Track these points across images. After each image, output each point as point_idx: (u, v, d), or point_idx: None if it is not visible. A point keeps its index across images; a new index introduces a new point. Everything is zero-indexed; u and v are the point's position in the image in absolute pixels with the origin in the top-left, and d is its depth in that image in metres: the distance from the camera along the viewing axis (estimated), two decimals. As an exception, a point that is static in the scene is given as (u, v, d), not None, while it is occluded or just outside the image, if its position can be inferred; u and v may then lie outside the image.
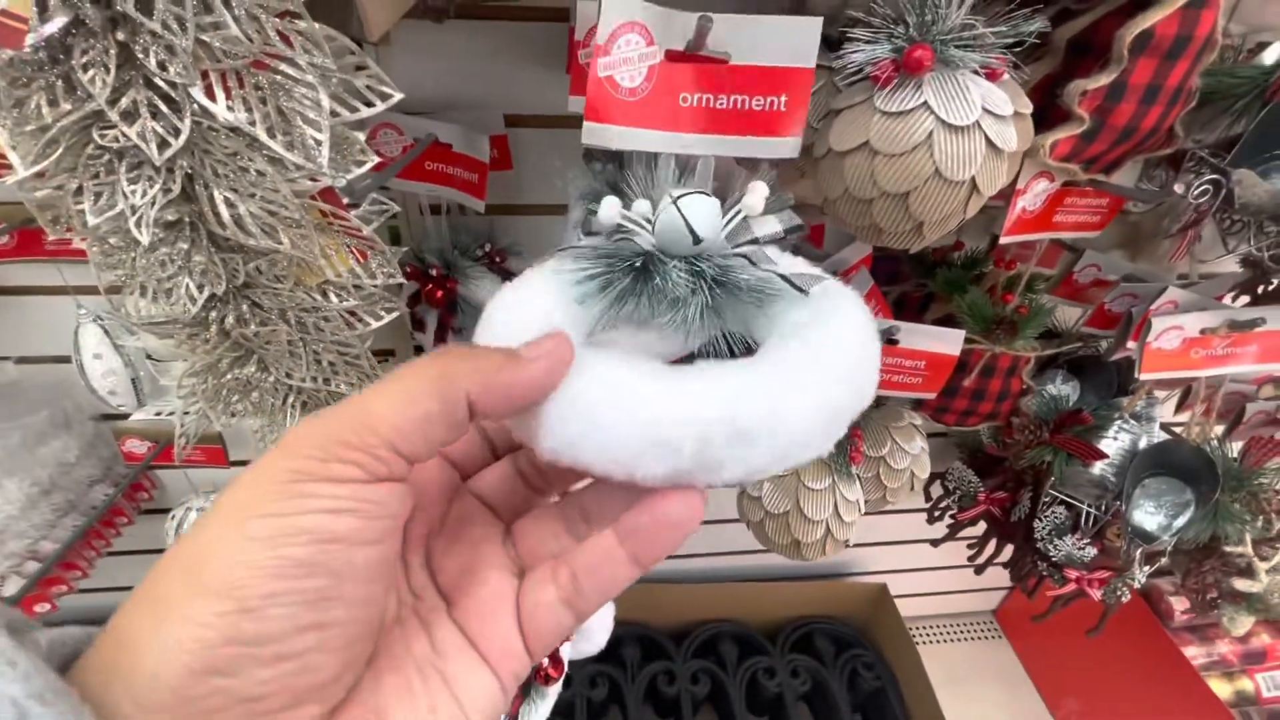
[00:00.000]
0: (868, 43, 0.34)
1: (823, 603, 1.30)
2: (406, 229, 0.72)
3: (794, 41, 0.33)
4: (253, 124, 0.34)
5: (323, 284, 0.48)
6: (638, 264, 0.24)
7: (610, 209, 0.25)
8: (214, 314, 0.44)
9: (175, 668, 0.15)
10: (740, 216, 0.26)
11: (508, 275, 0.69)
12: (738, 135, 0.37)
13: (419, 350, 0.75)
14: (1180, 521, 0.61)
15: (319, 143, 0.39)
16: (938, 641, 1.44)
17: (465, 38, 0.60)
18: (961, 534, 0.93)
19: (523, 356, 0.20)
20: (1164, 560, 0.98)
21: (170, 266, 0.40)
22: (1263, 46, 0.47)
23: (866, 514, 1.30)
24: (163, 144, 0.33)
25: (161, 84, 0.33)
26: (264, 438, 0.63)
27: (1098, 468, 0.62)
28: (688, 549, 1.23)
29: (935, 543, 1.00)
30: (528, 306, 0.23)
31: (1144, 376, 0.56)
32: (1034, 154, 0.44)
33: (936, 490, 0.92)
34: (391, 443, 0.17)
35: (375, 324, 0.52)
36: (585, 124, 0.34)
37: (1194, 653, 1.06)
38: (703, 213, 0.24)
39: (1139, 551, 0.62)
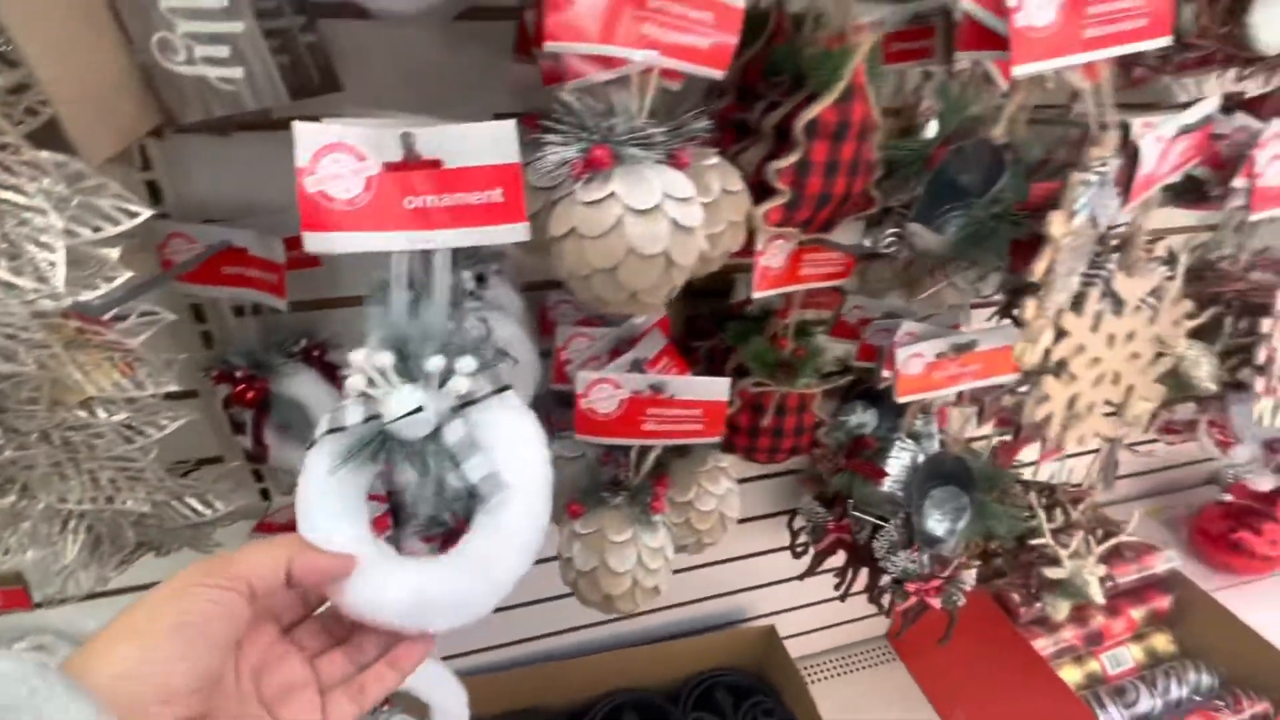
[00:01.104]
0: (560, 145, 0.39)
1: (719, 653, 1.31)
2: (219, 332, 0.71)
3: (493, 143, 0.38)
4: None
5: (87, 401, 0.47)
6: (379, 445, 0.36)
7: (353, 413, 0.36)
8: (-48, 444, 0.42)
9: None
10: (451, 398, 0.37)
11: (327, 368, 0.69)
12: (466, 228, 0.41)
13: (248, 455, 0.72)
14: (961, 524, 0.69)
15: (52, 264, 0.39)
16: (837, 674, 1.47)
17: (256, 147, 0.62)
18: (831, 565, 0.98)
19: (324, 559, 0.35)
20: (998, 561, 1.07)
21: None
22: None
23: (750, 556, 1.33)
24: None
25: None
26: (72, 574, 0.58)
27: (887, 485, 0.69)
28: (575, 621, 1.21)
29: (801, 577, 1.05)
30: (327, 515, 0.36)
31: (901, 399, 0.64)
32: (753, 222, 0.52)
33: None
34: (244, 577, 0.32)
35: (158, 434, 0.51)
36: (304, 234, 0.37)
37: (1043, 643, 1.15)
38: (415, 423, 0.36)
39: (926, 555, 0.68)
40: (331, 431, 0.36)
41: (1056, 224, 0.45)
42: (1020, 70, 0.45)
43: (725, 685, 1.28)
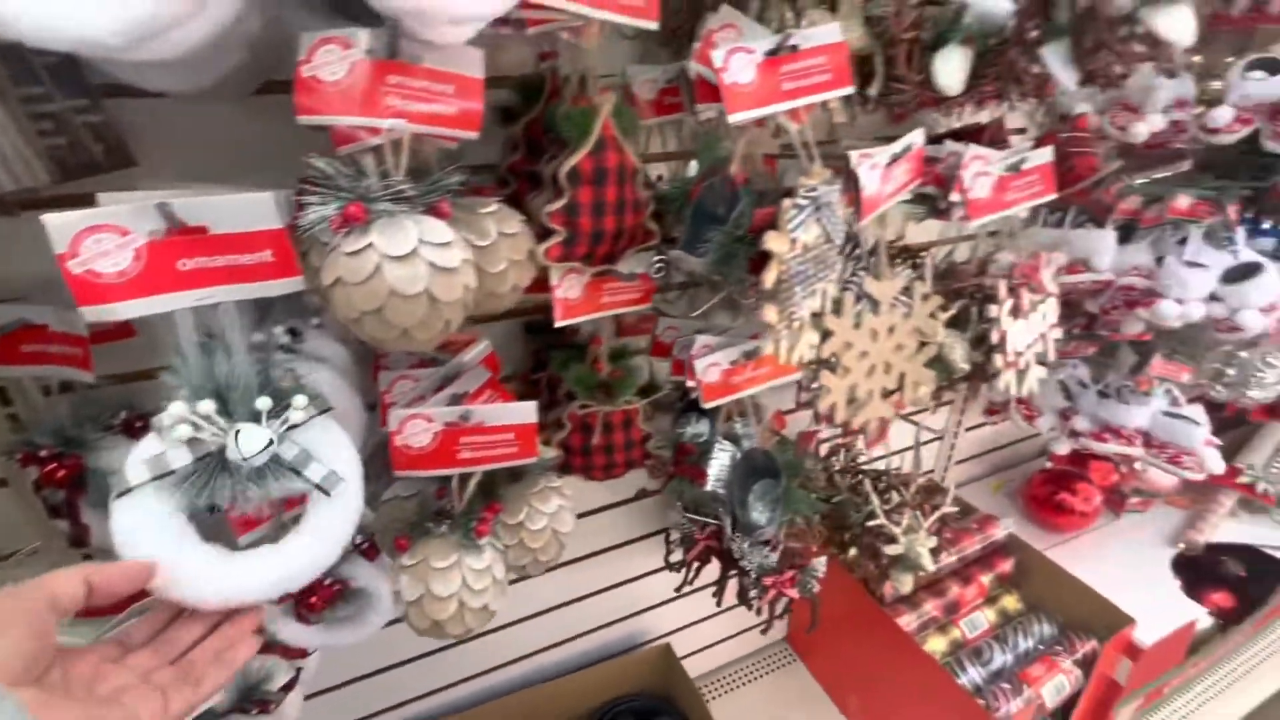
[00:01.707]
0: (320, 204, 0.44)
1: (624, 679, 1.33)
2: (26, 413, 0.69)
3: (253, 211, 0.42)
4: None
5: None
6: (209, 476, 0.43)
7: (180, 456, 0.43)
8: None
9: None
10: (285, 427, 0.45)
11: (150, 438, 0.68)
12: (243, 284, 0.45)
13: (70, 539, 0.69)
14: (777, 512, 0.76)
15: None
16: (745, 683, 1.52)
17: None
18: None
19: (123, 566, 0.41)
20: (853, 552, 1.16)
21: None
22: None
23: (643, 576, 1.36)
24: None
25: None
26: None
27: (709, 485, 0.76)
28: (478, 668, 1.20)
29: (678, 589, 1.09)
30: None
31: (708, 405, 0.71)
32: (535, 260, 0.58)
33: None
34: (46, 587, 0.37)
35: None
36: (81, 309, 0.40)
37: (908, 619, 1.25)
38: (253, 442, 0.43)
39: (748, 543, 0.76)
40: (158, 478, 0.42)
41: (772, 241, 0.54)
42: (734, 118, 0.54)
43: (633, 712, 1.30)
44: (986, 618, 1.33)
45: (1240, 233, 1.04)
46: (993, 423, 1.55)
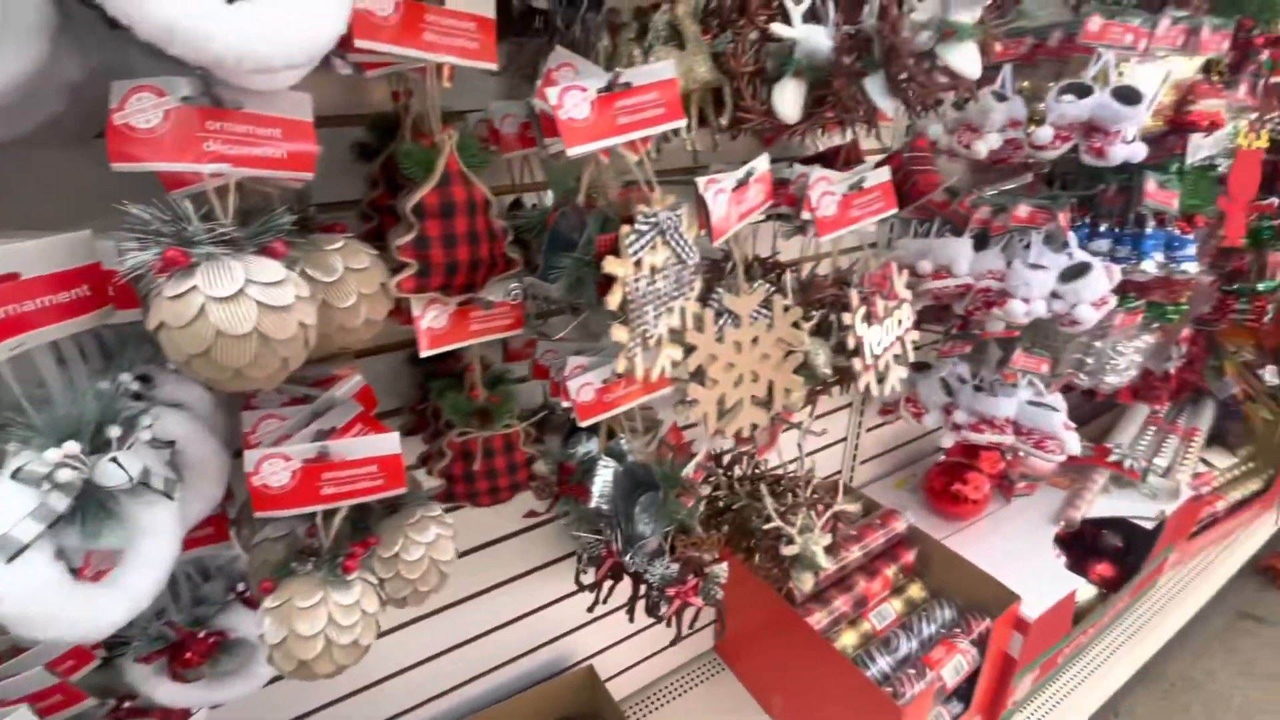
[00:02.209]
0: (139, 249, 0.44)
1: (550, 705, 1.32)
2: None
3: (64, 252, 0.42)
4: None
5: None
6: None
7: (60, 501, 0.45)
8: None
9: None
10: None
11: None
12: (61, 322, 0.45)
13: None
14: (660, 522, 0.79)
15: None
16: (673, 698, 1.53)
17: None
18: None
19: None
20: (758, 557, 1.20)
21: None
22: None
23: (563, 597, 1.35)
24: None
25: None
26: None
27: (594, 502, 0.78)
28: (393, 708, 1.17)
29: (590, 608, 1.10)
30: None
31: (584, 424, 0.73)
32: (388, 292, 0.59)
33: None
34: None
35: None
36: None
37: (819, 616, 1.30)
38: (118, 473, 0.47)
39: (643, 556, 0.78)
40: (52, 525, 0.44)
41: (612, 265, 0.58)
42: (570, 151, 0.58)
43: (559, 737, 1.29)
44: (894, 608, 1.39)
45: (1072, 236, 1.16)
46: (888, 422, 1.65)
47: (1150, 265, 1.25)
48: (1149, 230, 1.26)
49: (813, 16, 0.75)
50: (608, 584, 1.02)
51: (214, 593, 0.77)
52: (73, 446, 0.46)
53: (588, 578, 1.06)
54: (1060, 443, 1.23)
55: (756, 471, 1.18)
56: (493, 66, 0.59)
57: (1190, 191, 1.28)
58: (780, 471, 1.18)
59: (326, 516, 0.60)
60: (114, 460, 0.47)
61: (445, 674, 1.22)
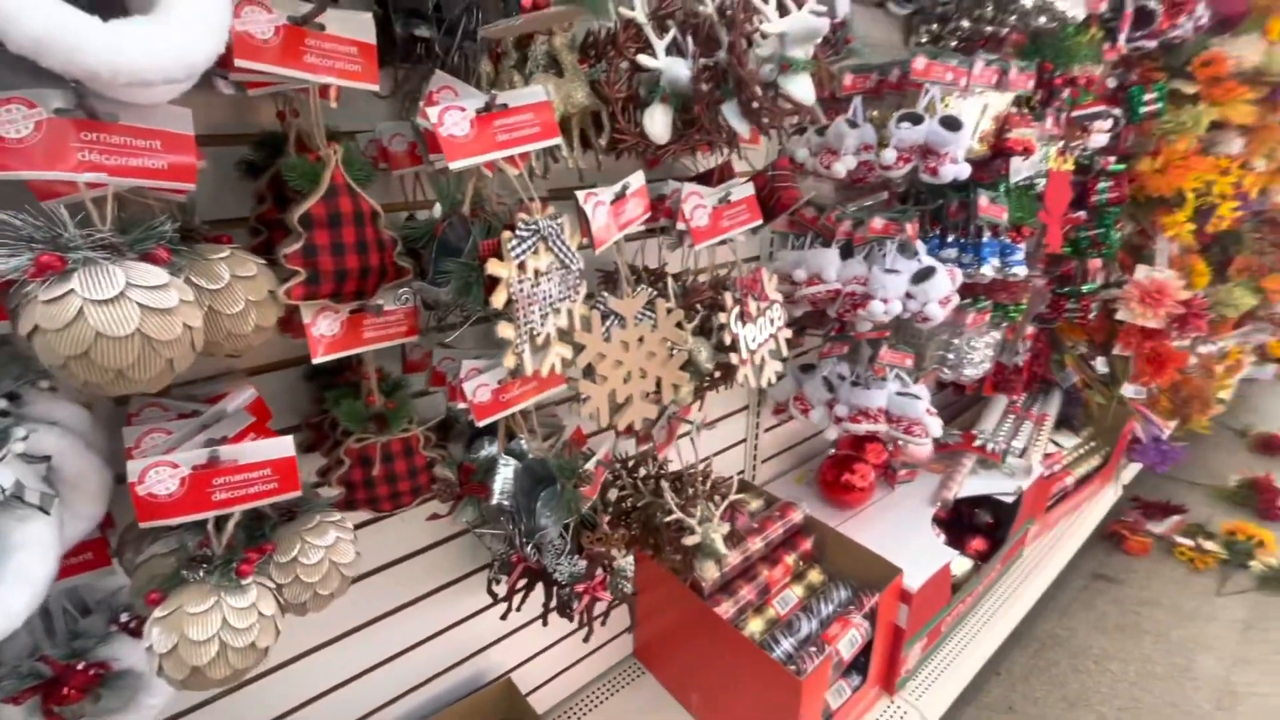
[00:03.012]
0: (10, 255, 0.45)
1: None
2: None
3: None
4: None
5: None
6: None
7: None
8: None
9: None
10: None
11: None
12: None
13: None
14: (559, 513, 0.84)
15: None
16: (595, 707, 1.55)
17: None
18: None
19: None
20: (664, 552, 1.26)
21: None
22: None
23: (479, 611, 1.35)
24: None
25: None
26: None
27: (495, 499, 0.81)
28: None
29: (504, 616, 1.11)
30: None
31: (480, 423, 0.77)
32: (277, 300, 0.61)
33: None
34: None
35: None
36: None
37: (727, 606, 1.38)
38: None
39: (542, 544, 0.82)
40: None
41: (495, 267, 0.63)
42: (452, 165, 0.63)
43: (481, 756, 1.27)
44: (795, 593, 1.49)
45: (921, 244, 1.32)
46: (782, 422, 1.77)
47: (988, 269, 1.44)
48: (986, 240, 1.46)
49: (676, 49, 0.84)
50: (520, 593, 1.05)
51: (93, 627, 0.74)
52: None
53: (500, 588, 1.08)
54: (925, 426, 1.38)
55: (659, 471, 1.25)
56: (375, 88, 0.63)
57: (1016, 206, 1.49)
58: (680, 470, 1.25)
59: (219, 523, 0.61)
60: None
61: (363, 697, 1.19)
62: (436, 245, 0.69)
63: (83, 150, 0.47)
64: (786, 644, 1.37)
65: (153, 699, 0.73)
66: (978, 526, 1.88)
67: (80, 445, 0.61)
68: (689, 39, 0.84)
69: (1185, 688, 1.85)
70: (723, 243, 0.96)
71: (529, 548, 0.84)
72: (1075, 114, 1.69)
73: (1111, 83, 1.97)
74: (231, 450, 0.59)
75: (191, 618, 0.56)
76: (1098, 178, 1.90)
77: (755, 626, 1.42)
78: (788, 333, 1.06)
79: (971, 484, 1.85)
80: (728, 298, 0.92)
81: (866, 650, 1.43)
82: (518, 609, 1.10)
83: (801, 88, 0.78)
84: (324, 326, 0.67)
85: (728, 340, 0.92)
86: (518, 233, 0.65)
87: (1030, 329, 2.07)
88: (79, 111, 0.47)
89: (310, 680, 1.09)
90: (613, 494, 1.20)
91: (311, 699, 1.11)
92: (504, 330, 0.65)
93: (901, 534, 1.64)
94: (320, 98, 0.64)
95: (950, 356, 1.70)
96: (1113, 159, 1.90)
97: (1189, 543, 2.39)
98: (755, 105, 0.80)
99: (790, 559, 1.52)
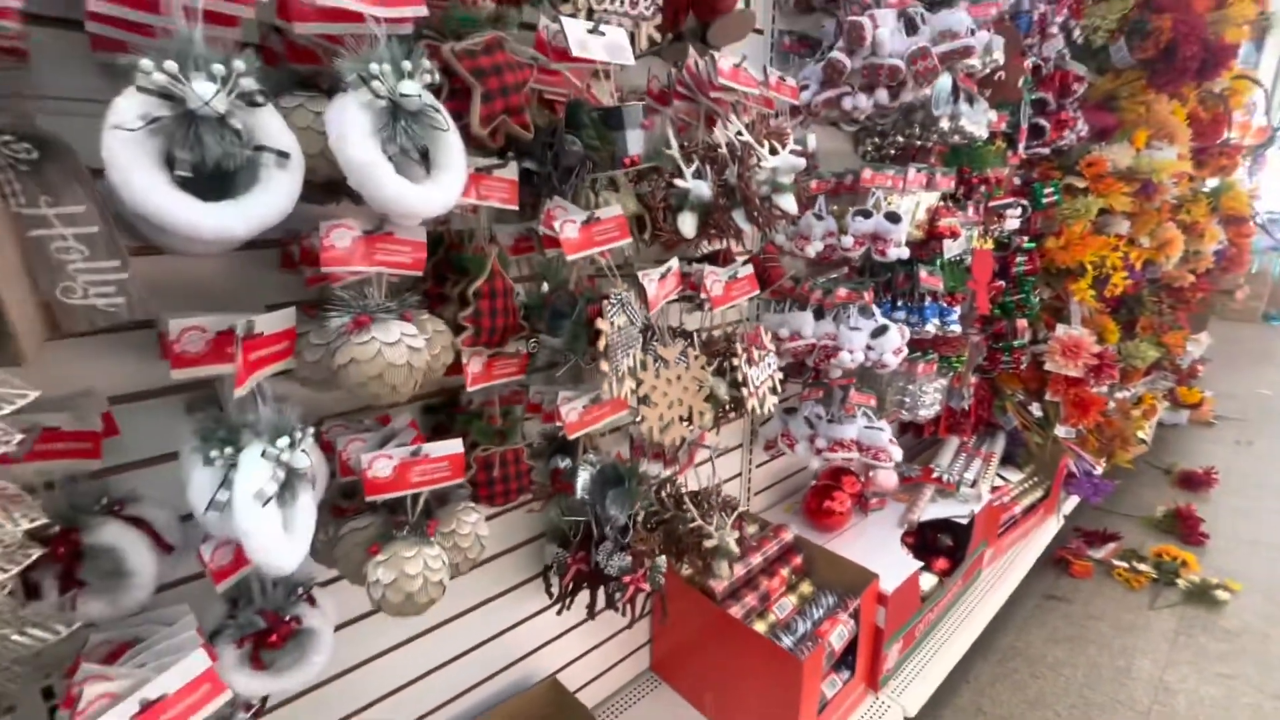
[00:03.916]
0: (338, 316, 0.75)
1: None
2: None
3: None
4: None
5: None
6: None
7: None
8: None
9: None
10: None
11: (131, 519, 0.85)
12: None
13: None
14: (626, 506, 1.12)
15: (-22, 433, 0.59)
16: (618, 715, 1.74)
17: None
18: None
19: None
20: (685, 562, 1.52)
21: None
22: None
23: (532, 616, 1.57)
24: None
25: None
26: None
27: (579, 494, 1.09)
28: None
29: (559, 612, 1.35)
30: None
31: (571, 437, 1.07)
32: (456, 347, 0.92)
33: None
34: None
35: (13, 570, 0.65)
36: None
37: (735, 610, 1.63)
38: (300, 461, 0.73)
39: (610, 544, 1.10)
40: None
41: (600, 324, 0.95)
42: (571, 257, 0.95)
43: (529, 752, 1.46)
44: (791, 601, 1.75)
45: (876, 308, 1.69)
46: (772, 458, 2.08)
47: (930, 327, 1.82)
48: (927, 304, 1.84)
49: (698, 174, 1.21)
50: (570, 589, 1.30)
51: (278, 595, 0.97)
52: (284, 441, 0.72)
53: (556, 589, 1.33)
54: (888, 452, 1.71)
55: (680, 491, 1.54)
56: (515, 208, 0.97)
57: (949, 277, 1.89)
58: (697, 489, 1.55)
59: (413, 499, 0.88)
60: (304, 452, 0.74)
61: (421, 697, 1.38)
62: (550, 311, 1.01)
63: (376, 253, 0.78)
64: (787, 641, 1.63)
65: (318, 656, 0.96)
66: (940, 548, 2.18)
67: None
68: (708, 167, 1.20)
69: (1127, 686, 2.13)
70: (732, 307, 1.30)
71: (606, 527, 1.11)
72: (991, 205, 2.13)
73: (1018, 180, 2.45)
74: (428, 447, 0.88)
75: (406, 559, 0.83)
76: (1015, 253, 2.34)
77: (759, 628, 1.67)
78: (780, 375, 1.39)
79: (932, 509, 2.17)
80: (738, 347, 1.25)
81: (853, 648, 1.69)
82: (568, 608, 1.34)
83: (788, 202, 1.15)
84: (474, 366, 0.97)
85: (740, 378, 1.24)
86: (611, 300, 0.97)
87: (973, 379, 2.45)
88: (372, 230, 0.79)
89: (381, 680, 1.28)
90: (642, 514, 1.48)
91: (380, 697, 1.29)
92: (604, 366, 0.97)
93: (875, 551, 1.93)
94: (472, 213, 0.96)
95: (907, 400, 2.05)
96: (1025, 238, 2.35)
97: (1125, 565, 2.72)
98: (756, 214, 1.16)
99: (785, 572, 1.79)
